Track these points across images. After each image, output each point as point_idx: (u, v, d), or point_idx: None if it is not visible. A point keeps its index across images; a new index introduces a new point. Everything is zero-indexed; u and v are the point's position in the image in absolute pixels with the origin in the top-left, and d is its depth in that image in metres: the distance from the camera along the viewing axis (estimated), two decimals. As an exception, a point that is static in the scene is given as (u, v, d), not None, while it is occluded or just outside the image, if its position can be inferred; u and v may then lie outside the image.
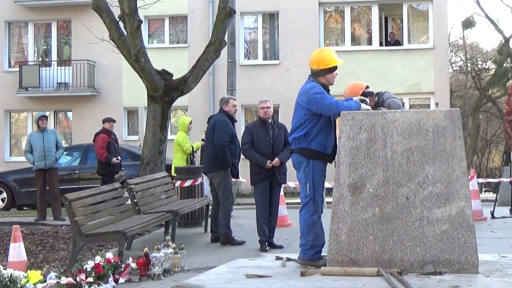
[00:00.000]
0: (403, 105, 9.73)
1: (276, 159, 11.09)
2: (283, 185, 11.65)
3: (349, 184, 7.38)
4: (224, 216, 11.65)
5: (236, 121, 12.12)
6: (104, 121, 16.91)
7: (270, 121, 11.24)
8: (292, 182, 15.66)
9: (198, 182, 14.33)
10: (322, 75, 8.01)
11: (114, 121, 17.02)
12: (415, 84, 28.39)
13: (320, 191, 8.01)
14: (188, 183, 14.26)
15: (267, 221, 11.17)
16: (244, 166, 12.76)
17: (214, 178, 11.78)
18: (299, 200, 8.40)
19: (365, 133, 7.46)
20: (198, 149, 15.87)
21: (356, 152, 7.44)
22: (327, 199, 17.03)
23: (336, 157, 7.70)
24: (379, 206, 7.30)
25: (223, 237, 11.69)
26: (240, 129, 25.98)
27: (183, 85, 15.05)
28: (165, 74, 15.07)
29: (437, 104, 27.49)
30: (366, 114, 7.56)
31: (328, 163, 8.05)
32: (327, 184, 10.99)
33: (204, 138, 14.56)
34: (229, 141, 11.57)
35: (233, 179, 12.10)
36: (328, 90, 8.09)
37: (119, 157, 16.56)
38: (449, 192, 7.22)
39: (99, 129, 16.97)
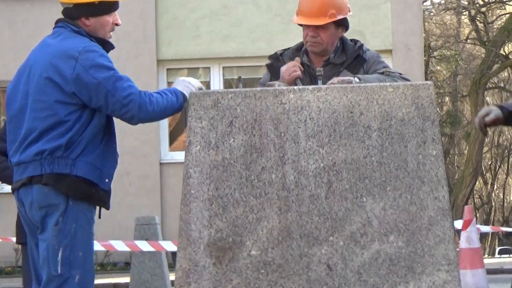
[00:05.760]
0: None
1: None
2: None
3: (210, 242, 3.74)
4: None
5: None
6: None
7: None
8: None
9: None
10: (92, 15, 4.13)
11: None
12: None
13: (91, 266, 4.12)
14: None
15: None
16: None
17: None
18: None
19: (241, 135, 3.79)
20: None
21: (222, 175, 3.77)
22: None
23: (182, 187, 3.80)
24: (274, 285, 3.69)
25: None
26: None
27: None
28: None
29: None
30: (241, 95, 3.85)
31: (104, 210, 4.19)
32: (166, 244, 5.89)
33: None
34: None
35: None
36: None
37: None
38: (414, 253, 3.66)
39: None
